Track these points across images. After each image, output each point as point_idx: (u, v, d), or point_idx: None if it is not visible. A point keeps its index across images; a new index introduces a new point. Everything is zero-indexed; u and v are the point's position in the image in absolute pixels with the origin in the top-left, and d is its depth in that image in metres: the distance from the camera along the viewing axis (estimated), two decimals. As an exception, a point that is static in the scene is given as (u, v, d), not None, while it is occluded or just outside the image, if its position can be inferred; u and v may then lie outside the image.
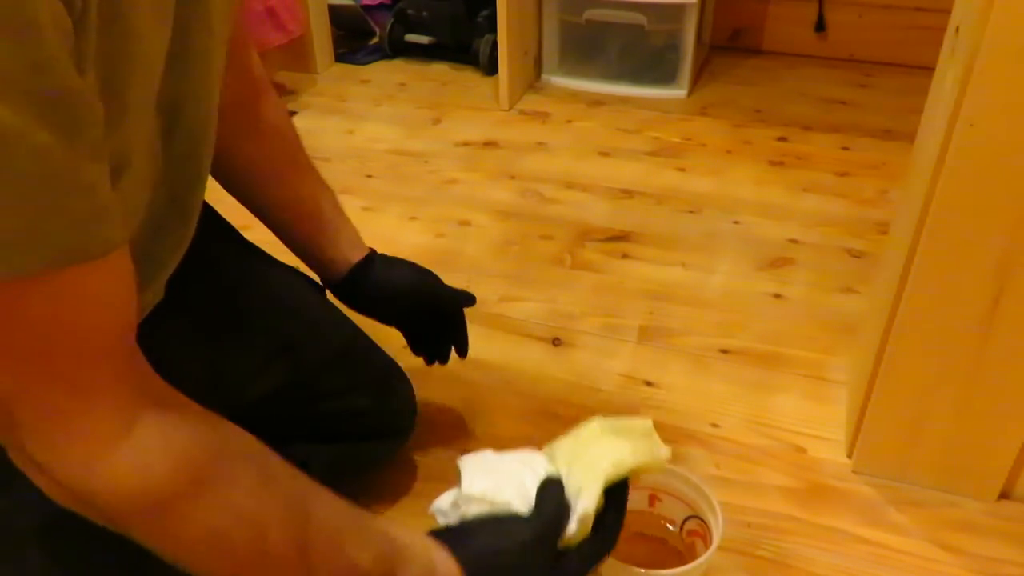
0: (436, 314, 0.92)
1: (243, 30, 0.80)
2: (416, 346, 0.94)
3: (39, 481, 0.46)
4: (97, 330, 0.44)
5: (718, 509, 0.73)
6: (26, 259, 0.38)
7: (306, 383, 0.82)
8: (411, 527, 0.62)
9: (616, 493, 0.63)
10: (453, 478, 0.91)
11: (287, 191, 0.84)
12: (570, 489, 0.62)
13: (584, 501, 0.61)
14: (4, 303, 0.39)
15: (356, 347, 0.88)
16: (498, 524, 0.62)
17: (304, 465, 0.79)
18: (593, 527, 0.62)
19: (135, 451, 0.45)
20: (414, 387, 0.93)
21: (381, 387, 0.88)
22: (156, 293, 0.64)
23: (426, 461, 0.94)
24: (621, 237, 1.35)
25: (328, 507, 0.55)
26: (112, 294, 0.44)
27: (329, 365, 0.84)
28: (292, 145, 0.85)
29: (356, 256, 0.86)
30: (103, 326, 0.44)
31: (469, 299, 0.92)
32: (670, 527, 0.79)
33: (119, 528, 0.48)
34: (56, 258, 0.39)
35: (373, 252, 0.88)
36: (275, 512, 0.51)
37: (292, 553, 0.52)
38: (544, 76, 1.93)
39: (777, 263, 1.28)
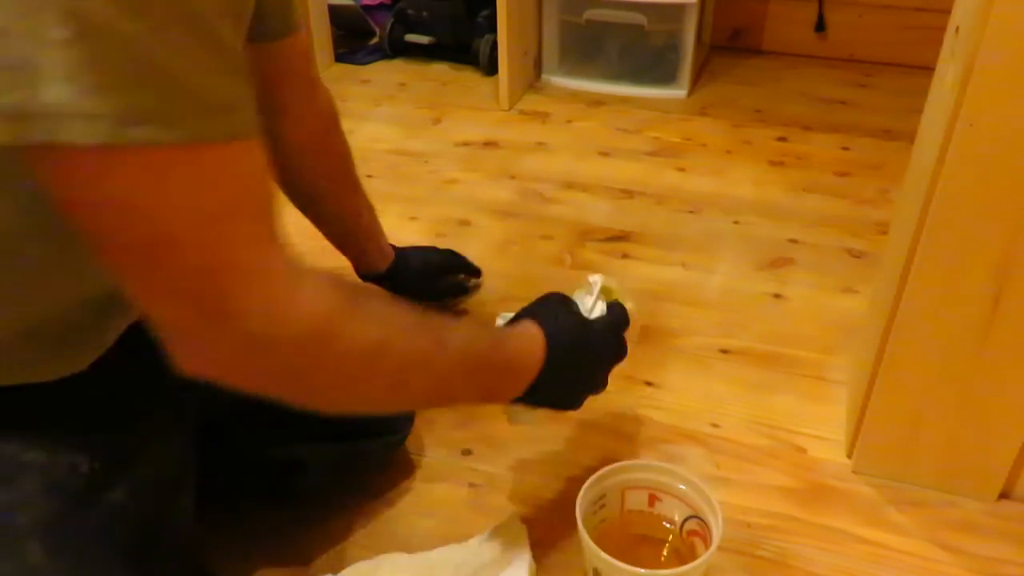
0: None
1: (312, 70, 0.94)
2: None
3: (230, 347, 0.51)
4: (269, 196, 0.51)
5: (718, 509, 0.73)
6: (231, 126, 0.47)
7: None
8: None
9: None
10: (453, 478, 0.92)
11: (340, 207, 1.01)
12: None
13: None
14: (220, 162, 0.47)
15: None
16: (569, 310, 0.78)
17: (303, 464, 0.80)
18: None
19: (307, 288, 0.52)
20: None
21: None
22: None
23: (426, 461, 0.94)
24: (621, 237, 1.35)
25: (431, 309, 0.63)
26: (266, 170, 0.51)
27: None
28: (350, 169, 1.00)
29: (384, 264, 1.06)
30: (270, 194, 0.52)
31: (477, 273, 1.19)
32: (670, 527, 0.79)
33: (298, 370, 0.54)
34: (241, 130, 0.47)
35: (398, 256, 1.08)
36: (411, 318, 0.61)
37: (434, 347, 0.61)
38: (544, 76, 1.93)
39: (777, 263, 1.28)
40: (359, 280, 1.07)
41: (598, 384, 0.79)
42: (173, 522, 0.67)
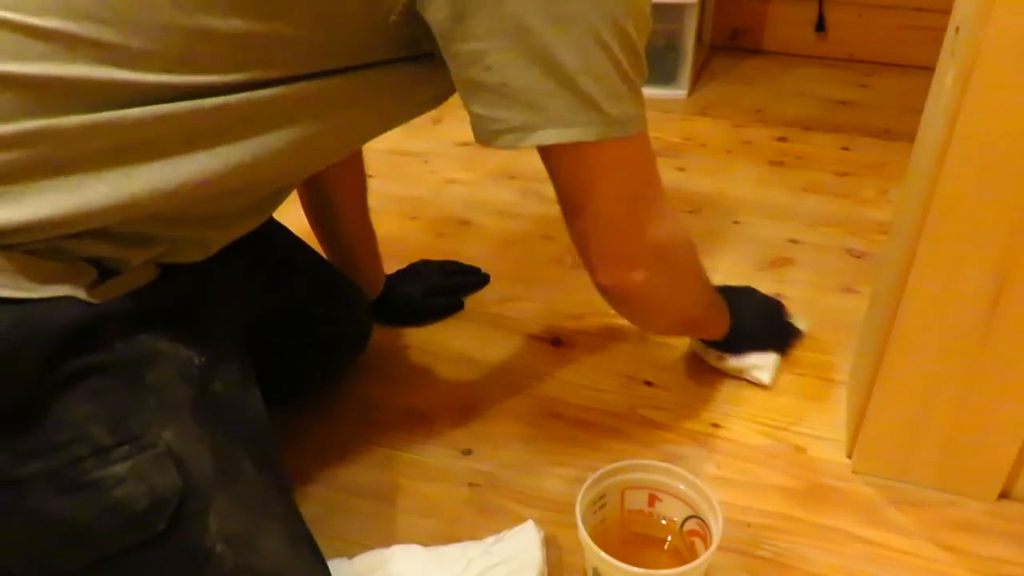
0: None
1: None
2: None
3: (622, 271, 0.73)
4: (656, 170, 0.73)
5: (718, 509, 0.73)
6: (643, 123, 0.67)
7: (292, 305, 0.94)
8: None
9: None
10: (453, 478, 0.92)
11: (354, 230, 1.08)
12: None
13: None
14: (647, 143, 0.69)
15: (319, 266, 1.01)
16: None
17: (303, 371, 0.97)
18: None
19: (673, 219, 0.76)
20: (413, 387, 0.97)
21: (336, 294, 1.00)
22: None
23: (426, 461, 0.94)
24: (621, 237, 1.35)
25: None
26: None
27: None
28: (365, 196, 1.09)
29: (376, 292, 1.13)
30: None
31: (483, 282, 1.24)
32: (670, 527, 0.79)
33: (673, 268, 0.79)
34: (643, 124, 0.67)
35: (387, 286, 1.15)
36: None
37: (702, 270, 0.87)
38: (544, 76, 1.93)
39: (777, 263, 1.28)
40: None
41: (784, 328, 1.07)
42: (254, 414, 0.74)
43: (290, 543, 0.68)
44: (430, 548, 0.81)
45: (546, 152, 0.67)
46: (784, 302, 1.10)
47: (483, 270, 1.26)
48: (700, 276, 0.87)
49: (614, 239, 0.72)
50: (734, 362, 1.03)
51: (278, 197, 0.75)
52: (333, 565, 0.75)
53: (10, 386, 0.58)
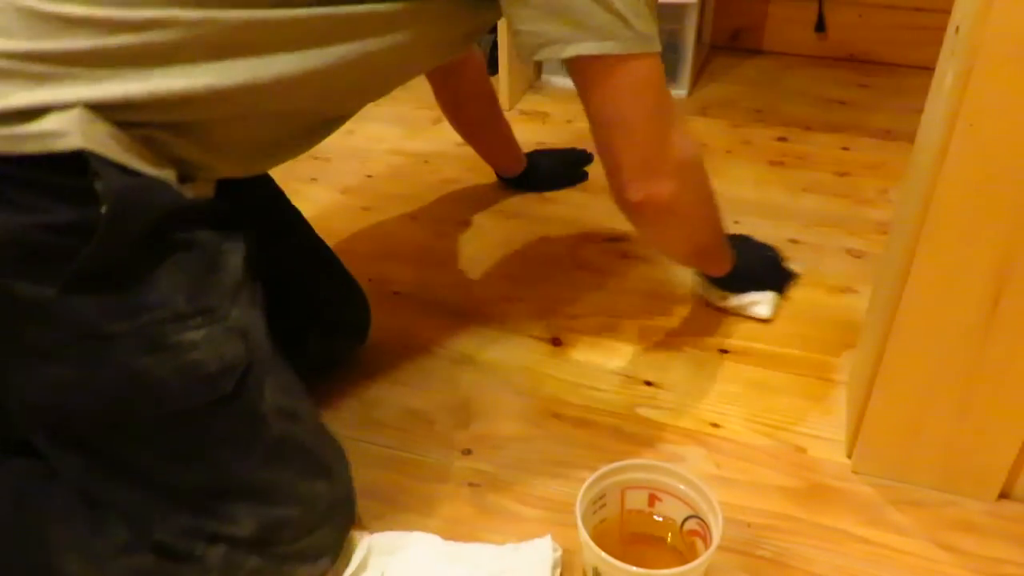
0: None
1: None
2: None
3: (647, 190, 0.82)
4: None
5: (718, 509, 0.73)
6: (659, 44, 0.76)
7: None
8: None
9: None
10: (453, 478, 0.92)
11: (493, 126, 1.39)
12: None
13: None
14: (661, 69, 0.77)
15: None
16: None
17: (304, 347, 0.97)
18: None
19: (691, 138, 0.86)
20: (413, 387, 0.98)
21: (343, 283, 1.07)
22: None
23: (426, 461, 0.94)
24: (621, 237, 1.35)
25: None
26: None
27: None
28: (496, 99, 1.38)
29: (521, 167, 1.46)
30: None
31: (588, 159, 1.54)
32: (670, 527, 0.79)
33: (692, 183, 0.89)
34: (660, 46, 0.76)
35: (530, 161, 1.46)
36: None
37: (713, 194, 0.95)
38: (544, 76, 1.94)
39: (777, 263, 1.28)
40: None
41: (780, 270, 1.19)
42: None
43: (318, 426, 0.81)
44: (448, 542, 0.82)
45: (580, 68, 0.76)
46: (786, 300, 1.10)
47: (483, 270, 1.26)
48: (715, 197, 0.96)
49: (645, 150, 0.80)
50: (735, 300, 1.13)
51: (323, 130, 0.83)
52: (352, 536, 0.80)
53: (119, 243, 0.65)
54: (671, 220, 0.87)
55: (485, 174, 1.53)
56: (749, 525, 0.86)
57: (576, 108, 1.80)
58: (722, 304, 1.15)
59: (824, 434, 0.97)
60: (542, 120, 1.76)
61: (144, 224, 0.66)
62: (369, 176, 1.55)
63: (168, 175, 0.70)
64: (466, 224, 1.40)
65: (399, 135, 1.69)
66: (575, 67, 0.76)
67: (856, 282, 1.23)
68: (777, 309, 1.15)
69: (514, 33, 0.74)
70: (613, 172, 0.82)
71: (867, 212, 1.40)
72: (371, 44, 0.73)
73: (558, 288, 1.23)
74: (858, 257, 1.29)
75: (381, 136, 1.69)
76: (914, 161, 0.88)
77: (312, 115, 0.80)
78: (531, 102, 1.84)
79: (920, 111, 0.88)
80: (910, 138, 0.92)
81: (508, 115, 1.75)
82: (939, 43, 0.81)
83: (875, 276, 1.08)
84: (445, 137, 1.67)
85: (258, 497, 0.72)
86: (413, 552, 0.81)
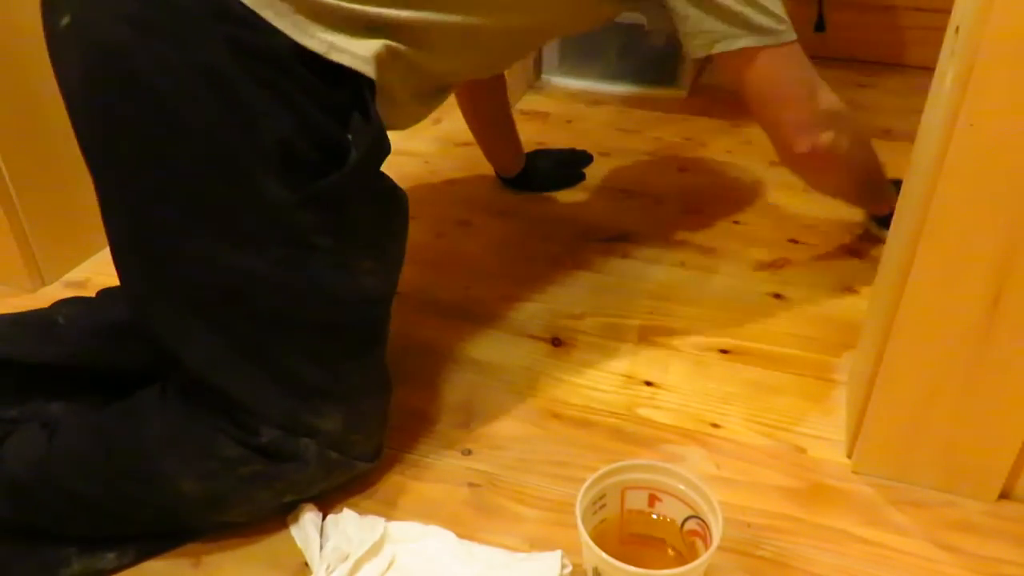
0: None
1: None
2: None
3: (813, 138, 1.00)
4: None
5: (718, 509, 0.73)
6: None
7: None
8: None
9: None
10: (453, 478, 0.92)
11: (502, 127, 1.44)
12: None
13: None
14: (800, 46, 0.97)
15: None
16: None
17: None
18: None
19: (833, 93, 1.01)
20: (413, 387, 0.98)
21: None
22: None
23: (426, 461, 0.94)
24: (621, 237, 1.35)
25: None
26: None
27: None
28: (507, 101, 1.43)
29: (520, 167, 1.48)
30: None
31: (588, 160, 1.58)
32: (670, 527, 0.79)
33: (849, 132, 1.03)
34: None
35: (528, 161, 1.49)
36: None
37: (869, 139, 1.14)
38: (544, 76, 1.94)
39: (777, 263, 1.28)
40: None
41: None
42: None
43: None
44: (462, 541, 0.82)
45: (737, 59, 0.94)
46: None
47: (483, 270, 1.26)
48: (870, 142, 1.13)
49: (801, 112, 0.99)
50: None
51: (440, 96, 0.98)
52: (369, 521, 0.84)
53: (354, 181, 0.78)
54: (835, 163, 1.03)
55: (485, 174, 1.53)
56: (749, 525, 0.86)
57: (576, 108, 1.79)
58: (883, 236, 1.23)
59: (824, 434, 0.97)
60: (542, 120, 1.76)
61: (375, 169, 0.82)
62: (369, 176, 1.55)
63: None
64: (466, 224, 1.40)
65: (399, 135, 1.68)
66: (735, 57, 0.94)
67: (856, 282, 1.23)
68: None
69: (684, 35, 0.94)
70: (779, 137, 1.01)
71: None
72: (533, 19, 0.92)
73: (558, 288, 1.23)
74: (858, 257, 1.29)
75: (381, 136, 1.68)
76: (914, 161, 0.88)
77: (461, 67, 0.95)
78: (531, 102, 1.84)
79: (920, 111, 0.88)
80: (910, 138, 0.92)
81: (508, 115, 1.76)
82: (939, 43, 0.81)
83: (875, 276, 1.08)
84: (445, 137, 1.67)
85: (349, 398, 0.82)
86: (425, 544, 0.82)
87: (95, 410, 0.84)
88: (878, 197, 1.21)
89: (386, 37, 0.80)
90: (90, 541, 0.80)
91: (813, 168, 1.05)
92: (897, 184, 1.13)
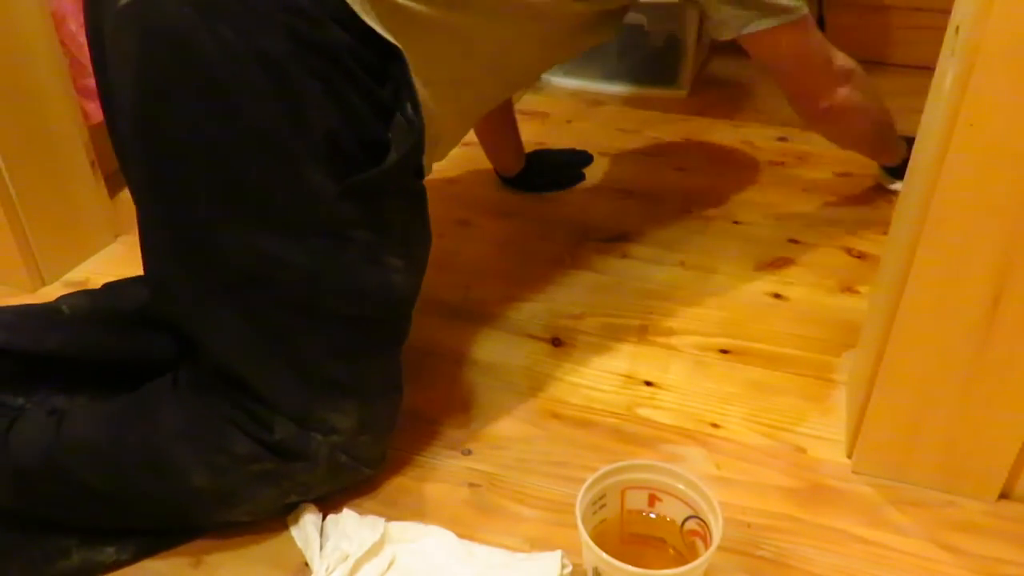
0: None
1: None
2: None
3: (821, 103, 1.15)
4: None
5: (718, 509, 0.73)
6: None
7: None
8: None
9: None
10: (453, 478, 0.92)
11: (504, 128, 1.45)
12: None
13: None
14: (813, 20, 1.07)
15: None
16: None
17: None
18: None
19: (843, 53, 1.14)
20: (413, 387, 0.96)
21: None
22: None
23: (426, 461, 0.94)
24: (621, 237, 1.35)
25: None
26: None
27: None
28: (511, 103, 1.45)
29: (520, 166, 1.49)
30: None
31: (587, 160, 1.58)
32: (670, 527, 0.79)
33: (861, 86, 1.17)
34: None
35: (528, 160, 1.50)
36: None
37: (880, 94, 1.25)
38: (544, 76, 1.93)
39: (777, 263, 1.28)
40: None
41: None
42: None
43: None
44: (462, 541, 0.82)
45: (760, 37, 1.04)
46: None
47: (483, 270, 1.26)
48: (881, 97, 1.24)
49: (819, 74, 1.12)
50: (899, 185, 1.30)
51: (477, 110, 1.03)
52: (369, 521, 0.83)
53: (392, 178, 0.80)
54: (852, 114, 1.17)
55: (485, 174, 1.53)
56: (749, 525, 0.86)
57: (576, 108, 1.80)
58: (892, 187, 1.40)
59: (824, 434, 0.97)
60: (542, 120, 1.76)
61: (413, 169, 0.84)
62: (369, 176, 1.55)
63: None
64: (466, 224, 1.40)
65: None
66: (752, 39, 1.04)
67: (856, 282, 1.23)
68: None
69: (712, 21, 1.04)
70: (801, 99, 1.15)
71: (867, 212, 1.40)
72: (543, 31, 0.95)
73: (558, 288, 1.23)
74: (858, 257, 1.29)
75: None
76: (914, 161, 0.88)
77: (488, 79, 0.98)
78: (531, 102, 1.84)
79: (920, 111, 0.88)
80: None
81: (508, 115, 1.76)
82: (939, 43, 0.81)
83: (875, 276, 1.09)
84: (445, 137, 1.67)
85: (365, 396, 0.83)
86: (426, 544, 0.82)
87: (102, 401, 0.84)
88: (890, 146, 1.32)
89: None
90: (91, 533, 0.80)
91: (834, 120, 1.17)
92: (909, 141, 1.18)
